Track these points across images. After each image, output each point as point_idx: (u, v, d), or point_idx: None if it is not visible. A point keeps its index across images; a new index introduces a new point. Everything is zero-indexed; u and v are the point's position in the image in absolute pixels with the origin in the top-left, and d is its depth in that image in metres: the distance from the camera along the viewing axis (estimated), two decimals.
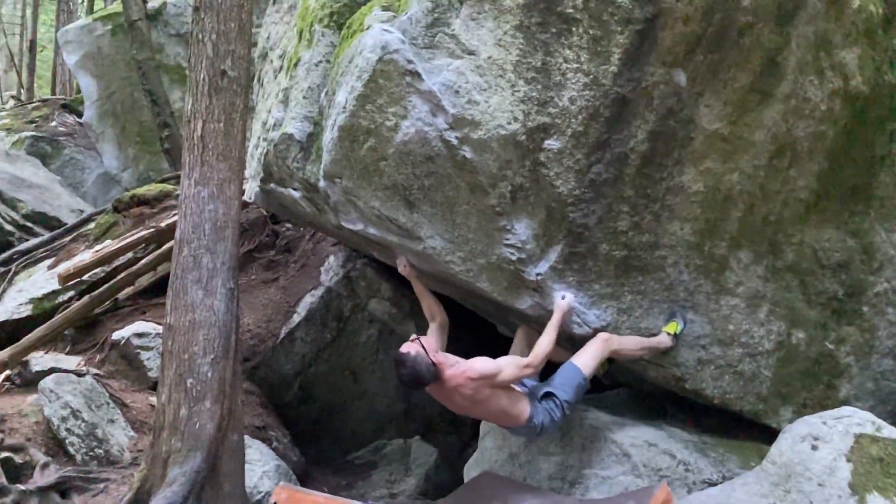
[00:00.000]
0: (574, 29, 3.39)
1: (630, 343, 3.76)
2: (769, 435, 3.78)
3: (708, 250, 3.82)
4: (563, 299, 3.64)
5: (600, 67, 3.41)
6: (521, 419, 3.58)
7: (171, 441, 3.66)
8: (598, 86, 3.43)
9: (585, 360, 3.66)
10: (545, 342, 3.58)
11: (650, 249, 3.75)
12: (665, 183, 3.67)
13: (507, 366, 3.51)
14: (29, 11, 19.07)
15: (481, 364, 3.47)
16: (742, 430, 4.14)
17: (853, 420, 3.35)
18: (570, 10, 3.37)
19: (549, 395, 3.62)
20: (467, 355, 3.59)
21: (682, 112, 3.57)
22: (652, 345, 3.79)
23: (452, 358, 3.52)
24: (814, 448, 3.26)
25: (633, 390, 4.65)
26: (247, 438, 4.39)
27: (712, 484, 3.66)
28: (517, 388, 3.65)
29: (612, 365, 4.00)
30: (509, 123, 3.44)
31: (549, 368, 3.78)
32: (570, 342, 4.11)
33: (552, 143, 3.49)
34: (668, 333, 3.80)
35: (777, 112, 3.75)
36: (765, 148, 3.78)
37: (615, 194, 3.62)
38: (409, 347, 3.43)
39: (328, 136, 3.64)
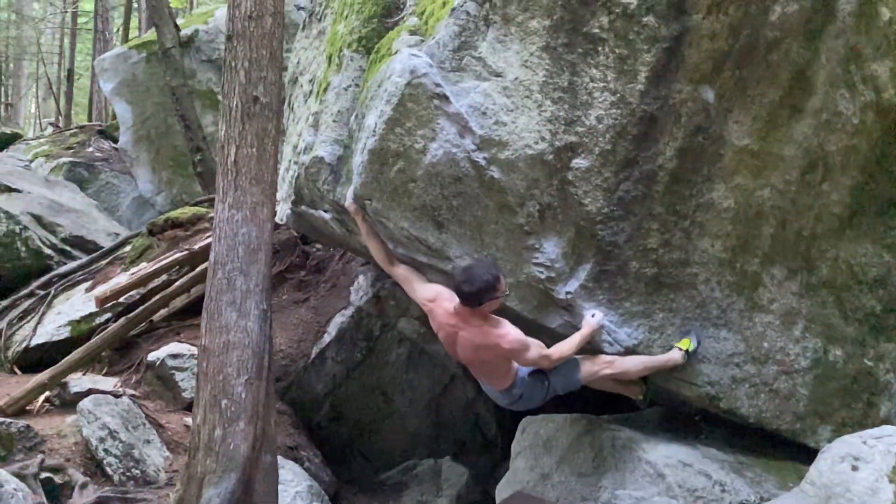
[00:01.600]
0: (600, 48, 3.41)
1: (634, 365, 3.73)
2: (807, 454, 3.70)
3: (740, 267, 3.78)
4: (594, 317, 3.63)
5: (627, 86, 3.43)
6: (505, 384, 3.69)
7: (206, 461, 3.70)
8: (625, 104, 3.44)
9: (590, 372, 3.70)
10: (568, 346, 3.59)
11: (681, 266, 3.72)
12: (695, 200, 3.65)
13: (534, 349, 3.53)
14: (67, 41, 19.69)
15: (517, 336, 3.48)
16: (779, 449, 4.06)
17: (894, 439, 3.27)
18: (597, 30, 3.39)
19: (539, 372, 3.70)
20: None
21: (711, 128, 3.56)
22: (659, 363, 3.73)
23: (498, 320, 3.55)
24: (854, 468, 3.18)
25: (666, 409, 4.60)
26: (280, 459, 4.42)
27: None
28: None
29: (647, 386, 3.97)
30: (536, 143, 3.46)
31: None
32: None
33: (580, 162, 3.50)
34: (680, 349, 3.73)
35: (808, 126, 3.72)
36: (796, 163, 3.74)
37: (644, 212, 3.61)
38: (502, 278, 3.42)
39: (358, 159, 3.70)
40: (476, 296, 3.38)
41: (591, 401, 5.28)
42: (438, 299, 3.64)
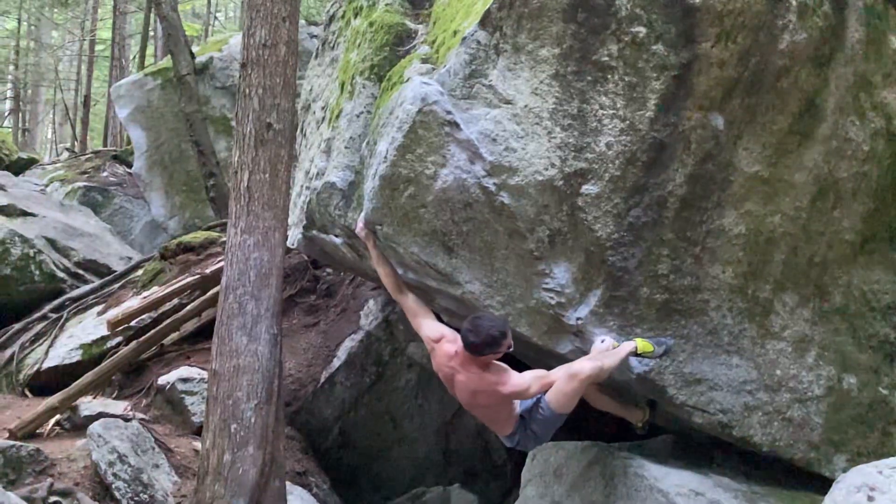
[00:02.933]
0: (609, 76, 3.44)
1: (607, 366, 3.49)
2: (822, 484, 3.64)
3: (752, 293, 3.76)
4: (603, 343, 3.61)
5: (636, 113, 3.45)
6: (506, 431, 3.69)
7: (214, 486, 3.69)
8: (634, 131, 3.46)
9: (561, 399, 3.51)
10: (588, 372, 3.48)
11: (692, 293, 3.71)
12: (705, 226, 3.65)
13: (533, 382, 3.50)
14: (84, 68, 20.06)
15: (514, 382, 3.46)
16: (793, 479, 4.00)
17: None
18: (606, 59, 3.43)
19: (522, 418, 3.68)
20: None
21: (721, 155, 3.57)
22: (622, 356, 3.54)
23: (500, 365, 3.54)
24: (870, 499, 3.12)
25: (678, 437, 4.55)
26: (288, 484, 4.40)
27: None
28: (516, 406, 3.69)
29: (653, 412, 3.93)
30: (546, 169, 3.48)
31: None
32: (610, 387, 4.06)
33: (589, 188, 3.52)
34: (636, 349, 3.57)
35: (818, 153, 3.73)
36: (806, 189, 3.74)
37: (655, 238, 3.61)
38: (508, 336, 3.39)
39: (369, 185, 3.73)
40: (479, 347, 3.38)
41: (602, 428, 5.24)
42: (442, 340, 3.64)
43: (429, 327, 3.76)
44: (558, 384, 3.48)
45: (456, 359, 3.53)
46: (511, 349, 3.45)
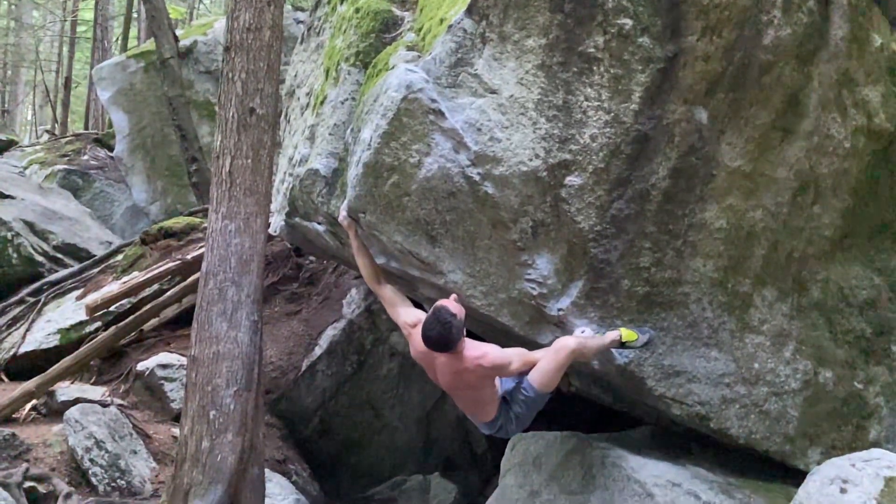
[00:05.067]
0: (595, 68, 3.44)
1: (591, 347, 3.56)
2: (796, 477, 3.69)
3: (731, 287, 3.79)
4: (583, 333, 3.62)
5: (621, 105, 3.45)
6: (489, 416, 3.60)
7: (192, 473, 3.68)
8: (619, 123, 3.47)
9: (543, 378, 3.49)
10: (564, 356, 3.46)
11: (673, 286, 3.73)
12: (687, 219, 3.67)
13: (515, 358, 3.47)
14: (66, 49, 19.74)
15: (496, 354, 3.41)
16: (769, 471, 4.05)
17: (883, 463, 3.26)
18: (592, 50, 3.42)
19: (505, 398, 3.61)
20: None
21: (704, 149, 3.59)
22: (606, 343, 3.60)
23: (469, 341, 3.46)
24: (843, 491, 3.18)
25: (656, 428, 4.59)
26: (267, 472, 4.39)
27: None
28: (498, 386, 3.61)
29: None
30: (531, 160, 3.48)
31: None
32: (591, 377, 4.09)
33: (573, 180, 3.52)
34: (621, 336, 3.60)
35: (799, 149, 3.75)
36: (788, 185, 3.77)
37: (637, 230, 3.63)
38: (457, 311, 3.34)
39: (353, 172, 3.71)
40: (453, 345, 3.34)
41: (581, 419, 5.28)
42: (419, 325, 3.54)
43: (406, 313, 3.72)
44: (542, 362, 3.47)
45: (444, 356, 3.45)
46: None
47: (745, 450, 4.02)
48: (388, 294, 3.84)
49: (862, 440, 3.99)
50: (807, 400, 3.95)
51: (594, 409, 5.22)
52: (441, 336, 3.31)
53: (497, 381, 3.58)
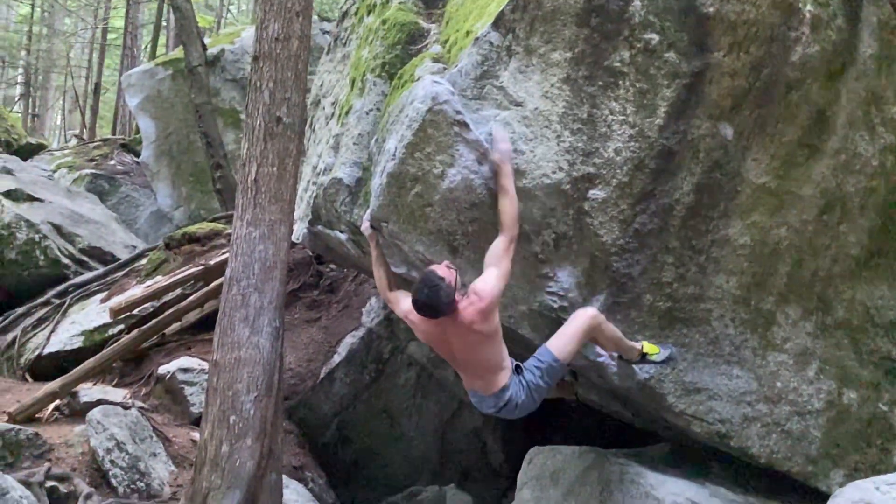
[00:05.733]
0: (621, 82, 3.44)
1: (610, 331, 3.49)
2: (818, 498, 3.64)
3: (755, 305, 3.76)
4: (497, 144, 3.38)
5: (646, 120, 3.45)
6: (499, 384, 3.42)
7: (211, 477, 3.70)
8: (643, 138, 3.46)
9: (561, 344, 3.43)
10: (507, 204, 3.34)
11: (695, 302, 3.71)
12: (711, 235, 3.65)
13: (498, 264, 3.29)
14: (95, 56, 20.11)
15: (483, 288, 3.24)
16: (790, 491, 4.00)
17: None
18: (618, 64, 3.43)
19: (518, 369, 3.47)
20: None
21: (729, 165, 3.57)
22: (626, 345, 3.54)
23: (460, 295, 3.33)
24: None
25: (675, 446, 4.55)
26: (284, 478, 4.41)
27: None
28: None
29: (577, 381, 3.87)
30: (554, 173, 3.48)
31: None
32: (610, 394, 4.06)
33: (596, 193, 3.52)
34: (643, 348, 3.57)
35: (826, 167, 3.72)
36: (814, 203, 3.74)
37: (660, 245, 3.61)
38: (446, 274, 3.23)
39: (377, 182, 3.73)
40: (446, 307, 3.23)
41: (599, 434, 5.24)
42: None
43: (405, 302, 3.57)
44: (562, 327, 3.39)
45: (442, 322, 3.35)
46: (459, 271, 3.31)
47: (767, 470, 3.97)
48: (396, 295, 3.76)
49: (886, 463, 3.92)
50: (830, 420, 3.89)
51: (613, 425, 5.18)
52: (430, 299, 3.21)
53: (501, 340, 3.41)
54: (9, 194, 8.78)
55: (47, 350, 6.74)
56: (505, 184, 3.35)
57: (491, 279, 3.29)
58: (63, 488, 4.41)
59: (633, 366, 3.65)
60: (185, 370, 5.78)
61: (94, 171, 12.65)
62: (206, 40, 12.13)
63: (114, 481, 4.60)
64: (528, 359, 3.51)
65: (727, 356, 3.79)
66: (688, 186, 3.55)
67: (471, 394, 3.67)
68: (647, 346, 3.57)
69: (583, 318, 3.42)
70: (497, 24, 3.44)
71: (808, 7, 3.46)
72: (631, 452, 4.33)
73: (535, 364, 3.44)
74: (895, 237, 3.99)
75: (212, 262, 6.97)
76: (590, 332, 3.44)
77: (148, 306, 6.80)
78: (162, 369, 5.88)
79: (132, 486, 4.62)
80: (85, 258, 8.78)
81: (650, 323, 3.69)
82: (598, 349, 3.67)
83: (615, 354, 3.65)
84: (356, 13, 5.00)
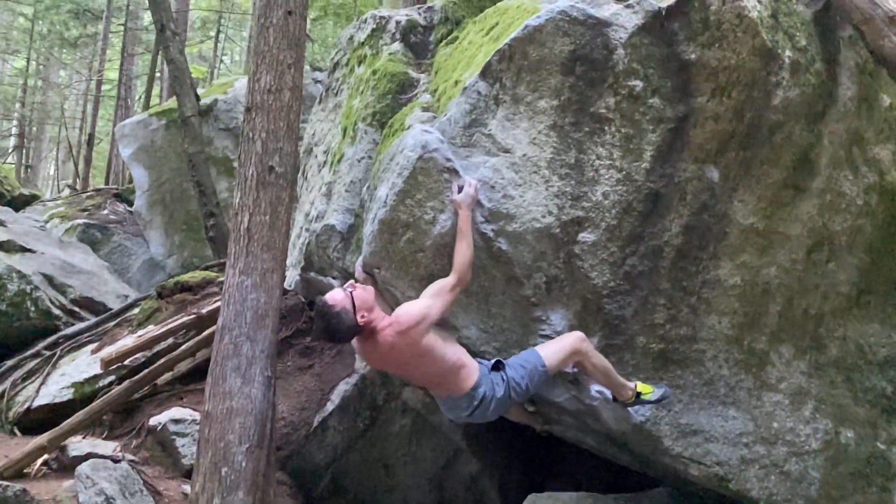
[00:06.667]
0: (606, 128, 3.51)
1: (600, 360, 3.48)
2: None
3: (748, 344, 3.77)
4: (599, 394, 3.55)
5: (633, 164, 3.51)
6: (468, 382, 3.34)
7: None
8: (630, 181, 3.51)
9: (550, 351, 3.43)
10: (463, 248, 3.34)
11: (688, 343, 3.71)
12: (701, 276, 3.67)
13: (435, 298, 3.25)
14: (90, 107, 20.33)
15: (405, 314, 3.20)
16: None
17: None
18: (603, 111, 3.50)
19: (498, 366, 3.41)
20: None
21: (716, 207, 3.62)
22: (617, 381, 3.51)
23: (383, 315, 3.29)
24: None
25: (673, 490, 4.49)
26: None
27: None
28: (478, 361, 3.45)
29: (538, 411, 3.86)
30: (544, 217, 3.52)
31: None
32: (607, 438, 4.03)
33: (586, 236, 3.55)
34: (636, 387, 3.55)
35: (812, 206, 3.78)
36: (802, 242, 3.78)
37: (651, 287, 3.63)
38: (337, 301, 3.18)
39: (369, 229, 3.76)
40: (346, 333, 3.21)
41: (597, 478, 5.17)
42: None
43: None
44: (553, 341, 3.43)
45: (360, 342, 3.35)
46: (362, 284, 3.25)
47: None
48: None
49: (887, 502, 3.88)
50: (828, 460, 3.86)
51: (610, 470, 5.11)
52: (326, 328, 3.20)
53: (443, 342, 3.33)
54: (1, 246, 8.76)
55: (36, 403, 6.62)
56: (463, 228, 3.39)
57: (415, 308, 3.26)
58: None
59: (629, 409, 3.63)
60: (177, 421, 5.68)
61: (86, 220, 12.65)
62: (200, 90, 12.30)
63: None
64: (509, 358, 3.49)
65: (722, 397, 3.77)
66: (676, 228, 3.59)
67: (442, 404, 3.59)
68: (641, 386, 3.57)
69: (570, 336, 3.48)
70: (484, 74, 3.52)
71: (787, 52, 3.56)
72: (629, 498, 4.27)
73: (520, 363, 3.43)
74: (885, 275, 4.03)
75: (204, 311, 6.92)
76: (575, 352, 3.45)
77: (139, 356, 6.71)
78: (153, 420, 5.78)
79: None
80: (76, 309, 8.71)
81: (644, 365, 3.69)
82: (594, 390, 3.65)
83: (609, 393, 3.63)
84: (347, 63, 5.11)
